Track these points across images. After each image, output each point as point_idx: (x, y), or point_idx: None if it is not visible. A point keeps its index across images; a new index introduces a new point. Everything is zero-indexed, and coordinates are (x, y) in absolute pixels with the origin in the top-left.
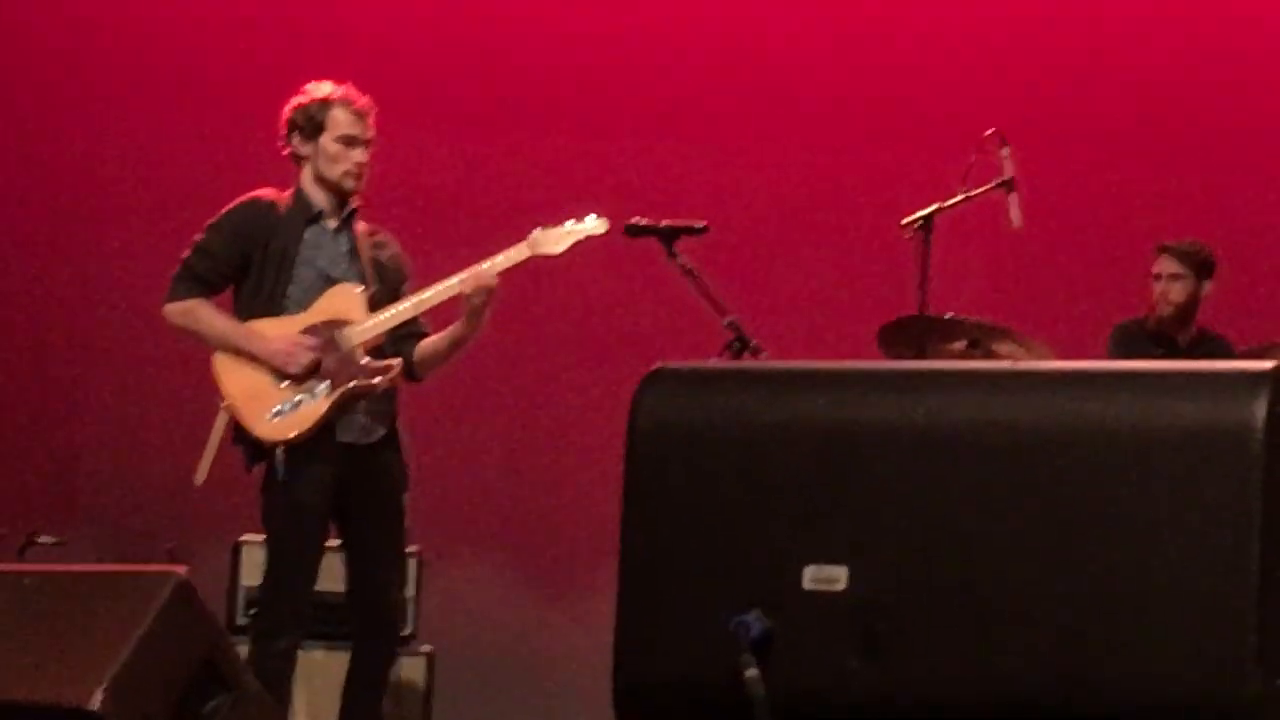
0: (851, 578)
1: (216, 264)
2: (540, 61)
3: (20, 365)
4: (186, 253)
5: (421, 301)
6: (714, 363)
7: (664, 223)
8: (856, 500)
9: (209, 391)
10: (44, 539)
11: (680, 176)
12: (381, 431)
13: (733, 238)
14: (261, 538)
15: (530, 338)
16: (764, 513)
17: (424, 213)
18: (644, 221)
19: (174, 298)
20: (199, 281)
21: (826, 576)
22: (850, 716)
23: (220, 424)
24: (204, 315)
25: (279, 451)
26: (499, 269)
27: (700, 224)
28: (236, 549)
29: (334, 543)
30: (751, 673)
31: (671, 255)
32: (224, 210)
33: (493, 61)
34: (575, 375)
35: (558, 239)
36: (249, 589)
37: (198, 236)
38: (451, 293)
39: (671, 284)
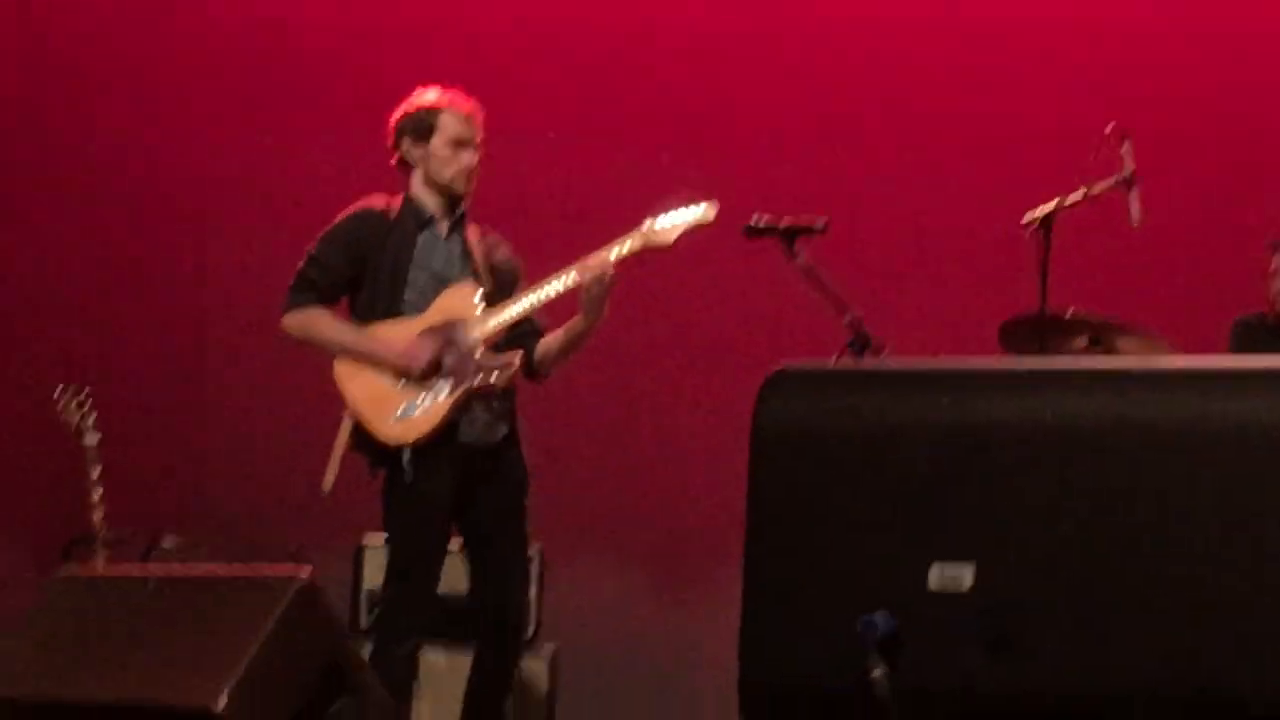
0: (977, 576)
1: (331, 274)
2: (654, 62)
3: (145, 369)
4: (301, 264)
5: (539, 296)
6: (837, 363)
7: (784, 223)
8: (981, 499)
9: (332, 394)
10: (168, 542)
11: (799, 176)
12: (504, 430)
13: (852, 236)
14: (384, 539)
15: (651, 338)
16: (889, 512)
17: (535, 219)
18: (764, 222)
19: (292, 308)
20: (315, 291)
21: (952, 575)
22: (976, 714)
23: (345, 430)
24: (323, 324)
25: (405, 453)
26: (615, 257)
27: (820, 223)
28: (359, 551)
29: (455, 543)
30: (878, 672)
31: (791, 255)
32: (336, 220)
33: (603, 62)
34: (696, 374)
35: (670, 226)
36: (372, 591)
37: (311, 247)
38: (568, 285)
39: (791, 283)
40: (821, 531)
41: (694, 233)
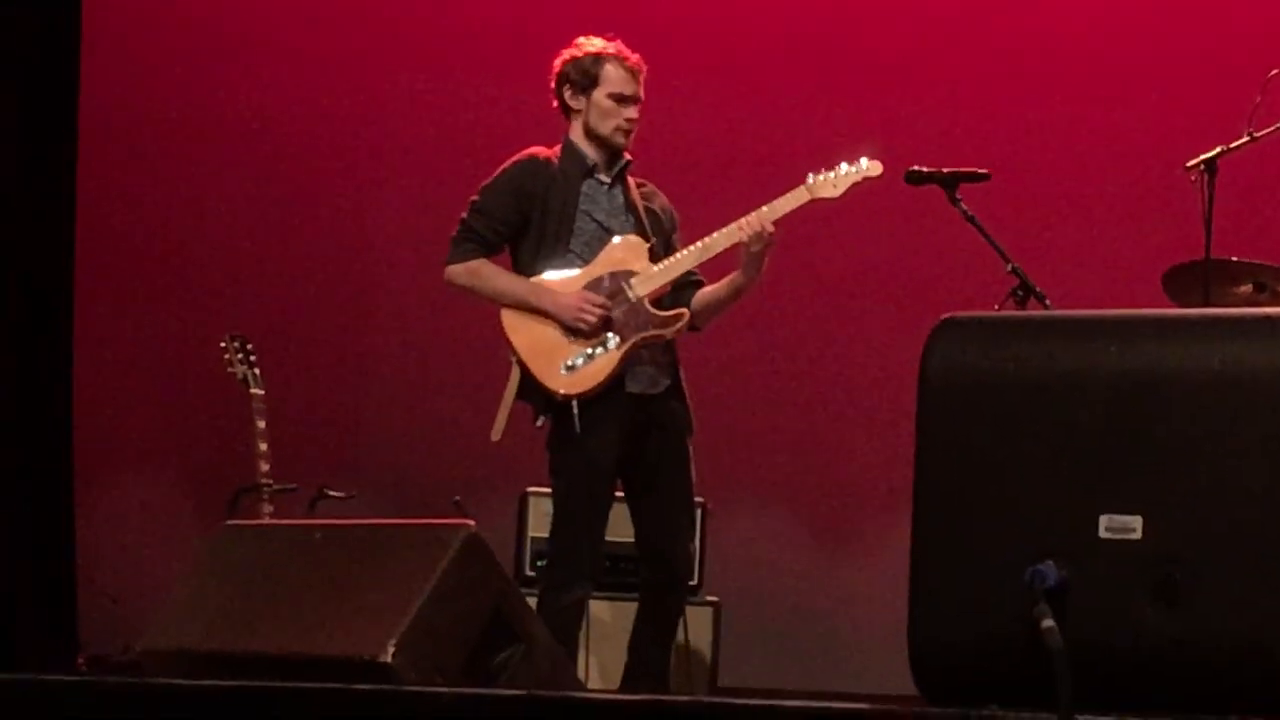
0: (1147, 526)
1: (495, 223)
2: (816, 10)
3: (308, 320)
4: (464, 214)
5: (704, 249)
6: (1003, 313)
7: (945, 169)
8: (1151, 449)
9: (493, 344)
10: (334, 493)
11: (960, 123)
12: (667, 382)
13: (1014, 184)
14: (547, 490)
15: (813, 286)
16: (1057, 462)
17: (697, 167)
18: (925, 169)
19: (456, 259)
20: (480, 241)
21: (1122, 525)
22: (1146, 665)
23: (514, 380)
24: (488, 274)
25: (574, 404)
26: (778, 214)
27: (982, 170)
28: (523, 500)
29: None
30: (1048, 622)
31: (953, 202)
32: (499, 170)
33: (765, 10)
34: (857, 323)
35: (835, 182)
36: (536, 540)
37: (474, 198)
38: (732, 240)
39: (954, 231)
40: (989, 481)
41: (859, 187)
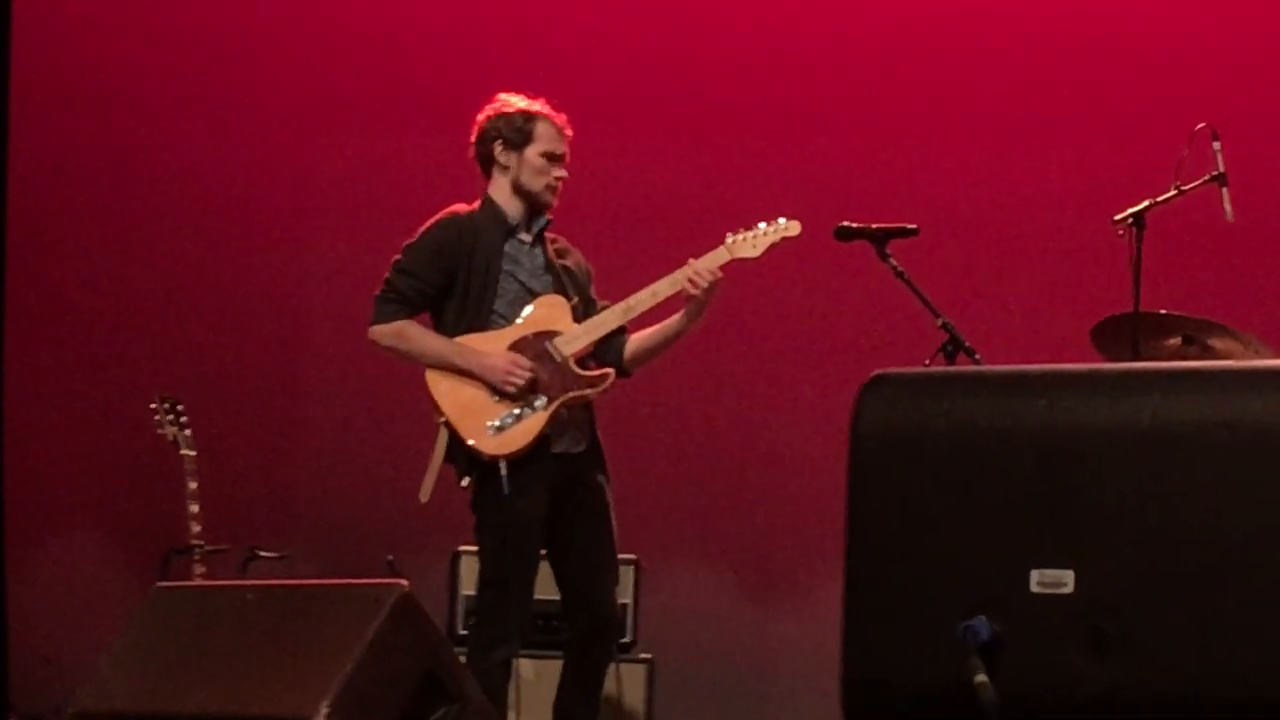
0: (1078, 580)
1: (419, 283)
2: (740, 62)
3: (236, 379)
4: (388, 274)
5: (627, 310)
6: (932, 368)
7: (875, 225)
8: (1080, 503)
9: (423, 404)
10: (266, 553)
11: (888, 178)
12: (585, 440)
13: (943, 238)
14: (477, 549)
15: (743, 341)
16: (989, 517)
17: (616, 220)
18: (855, 224)
19: (381, 320)
20: (404, 301)
21: (1053, 579)
22: (1081, 717)
23: (442, 441)
24: (414, 335)
25: (501, 464)
26: (704, 269)
27: (911, 226)
28: (455, 559)
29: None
30: (981, 678)
31: (883, 257)
32: (422, 230)
33: (689, 64)
34: (788, 377)
35: (754, 242)
36: (469, 599)
37: (398, 258)
38: (655, 300)
39: (883, 286)
40: (921, 535)
41: (779, 247)
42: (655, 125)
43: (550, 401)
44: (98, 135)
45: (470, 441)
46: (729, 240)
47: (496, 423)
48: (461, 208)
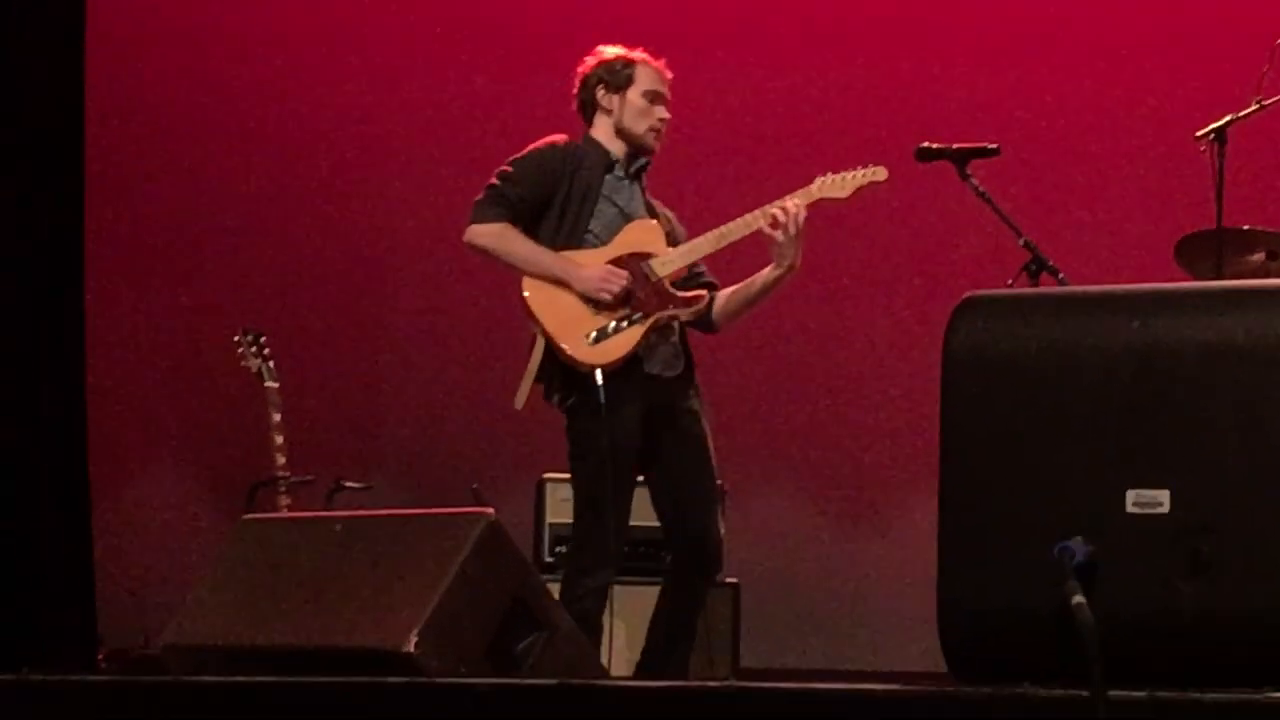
0: (1174, 500)
1: (524, 191)
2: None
3: (318, 310)
4: (493, 180)
5: (721, 236)
6: (1024, 289)
7: (955, 145)
8: (1176, 422)
9: (508, 332)
10: (350, 484)
11: (969, 98)
12: (682, 365)
13: (1024, 158)
14: (565, 476)
15: (825, 267)
16: (1083, 438)
17: (706, 149)
18: (936, 145)
19: (483, 219)
20: (508, 206)
21: (1149, 499)
22: (1179, 639)
23: (538, 350)
24: (514, 237)
25: (597, 374)
26: (801, 205)
27: (992, 145)
28: (540, 486)
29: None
30: (1078, 599)
31: (964, 177)
32: (527, 150)
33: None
34: (871, 302)
35: (842, 184)
36: (555, 526)
37: (504, 168)
38: (749, 229)
39: (965, 207)
40: (1015, 458)
41: (866, 191)
42: (738, 56)
43: (646, 316)
44: (179, 71)
45: (566, 349)
46: (818, 182)
47: (594, 333)
48: (564, 137)
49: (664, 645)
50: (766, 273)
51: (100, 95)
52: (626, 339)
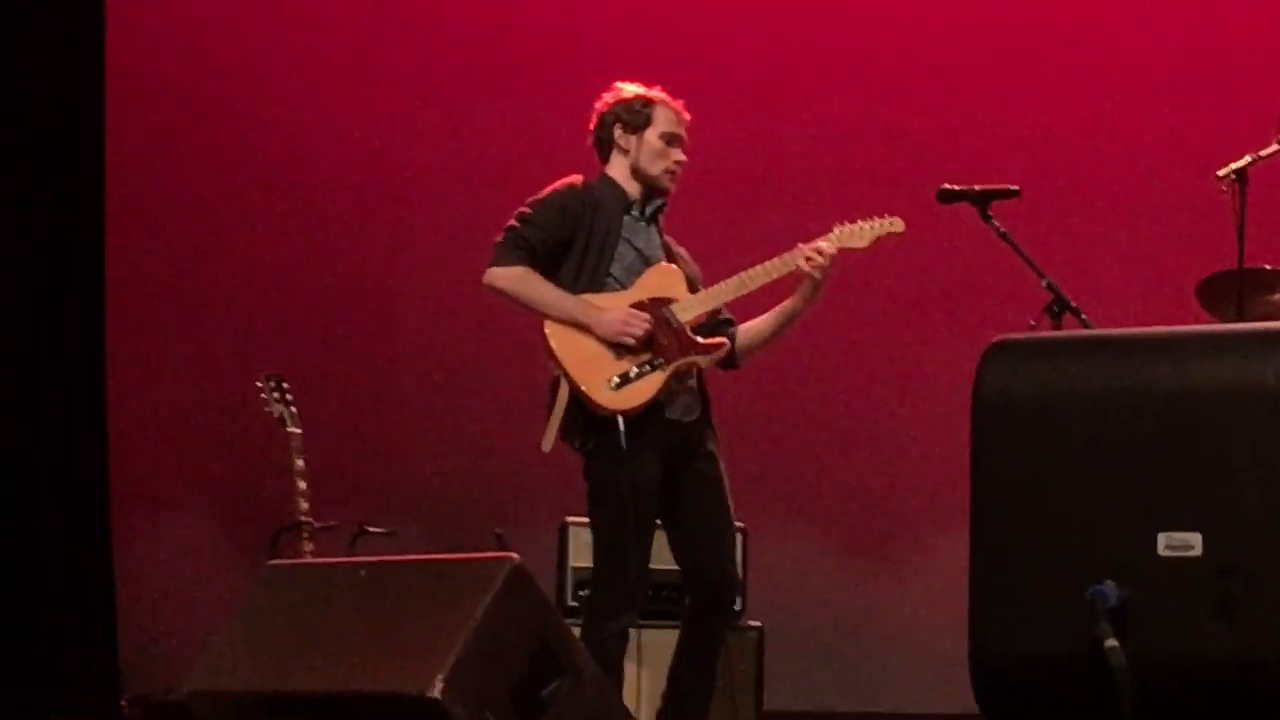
0: (1206, 543)
1: (544, 234)
2: (841, 30)
3: (340, 356)
4: (512, 223)
5: (742, 283)
6: (1053, 333)
7: (977, 187)
8: (1207, 465)
9: (527, 374)
10: (374, 529)
11: (990, 140)
12: (700, 409)
13: (1045, 199)
14: (587, 520)
15: (845, 307)
16: (1114, 481)
17: (728, 189)
18: (957, 187)
19: (504, 262)
20: (528, 249)
21: (1181, 543)
22: (1211, 681)
23: (565, 392)
24: (536, 281)
25: (620, 421)
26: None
27: (1013, 187)
28: (564, 530)
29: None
30: (1111, 642)
31: (986, 219)
32: (546, 191)
33: (788, 31)
34: (891, 342)
35: (860, 234)
36: (578, 570)
37: (523, 210)
38: (770, 276)
39: (986, 248)
40: (1046, 501)
41: (884, 241)
42: (756, 97)
43: (667, 363)
44: (195, 117)
45: (589, 393)
46: (836, 231)
47: (616, 379)
48: (580, 178)
49: (686, 688)
50: (788, 305)
51: (120, 135)
52: (649, 385)
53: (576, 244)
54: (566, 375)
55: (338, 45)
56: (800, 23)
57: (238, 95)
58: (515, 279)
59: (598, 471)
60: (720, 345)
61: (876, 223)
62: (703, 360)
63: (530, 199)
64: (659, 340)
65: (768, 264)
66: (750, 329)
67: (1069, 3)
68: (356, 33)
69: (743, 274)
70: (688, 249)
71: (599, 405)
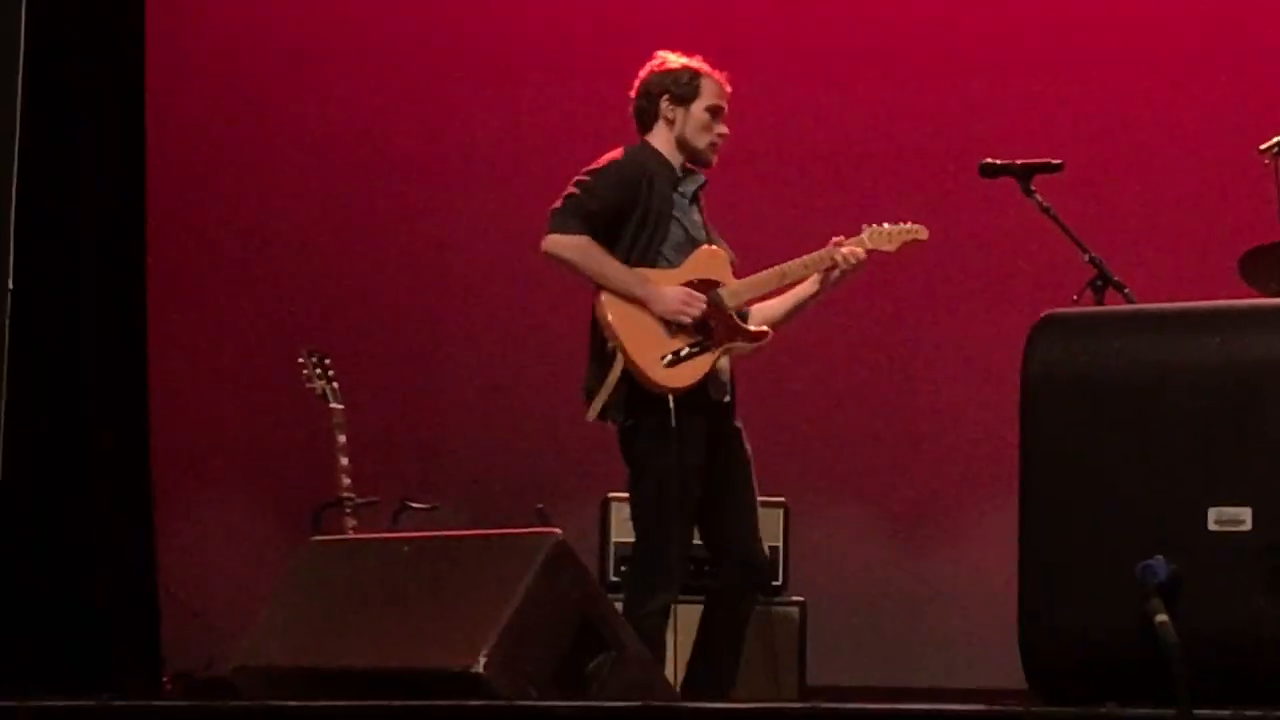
0: (1256, 517)
1: (604, 205)
2: (888, 5)
3: (382, 331)
4: (572, 190)
5: (784, 274)
6: (1102, 308)
7: (1019, 161)
8: (1257, 439)
9: (569, 350)
10: (416, 505)
11: (1033, 113)
12: (729, 391)
13: (1088, 173)
14: (634, 492)
15: (888, 281)
16: (1163, 456)
17: (767, 167)
18: (999, 161)
19: (564, 230)
20: (588, 218)
21: (1231, 517)
22: (1263, 656)
23: (619, 363)
24: (596, 252)
25: (670, 398)
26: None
27: (1056, 161)
28: (605, 505)
29: None
30: (1161, 618)
31: (1028, 193)
32: (605, 161)
33: (832, 9)
34: (933, 316)
35: (890, 236)
36: (620, 546)
37: (582, 178)
38: (807, 272)
39: (1028, 222)
40: (1096, 476)
41: (909, 247)
42: (794, 75)
43: (716, 345)
44: (238, 92)
45: (644, 368)
46: (866, 232)
47: (669, 356)
48: (633, 148)
49: (713, 667)
50: (803, 294)
51: (161, 116)
52: (699, 365)
53: (633, 216)
54: (622, 349)
55: (388, 21)
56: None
57: (283, 72)
58: (578, 249)
59: (639, 448)
60: (765, 334)
61: (904, 227)
62: (748, 346)
63: (588, 167)
64: (710, 322)
65: (806, 259)
66: (761, 311)
67: None
68: (406, 9)
69: (783, 266)
70: (721, 229)
71: (653, 381)
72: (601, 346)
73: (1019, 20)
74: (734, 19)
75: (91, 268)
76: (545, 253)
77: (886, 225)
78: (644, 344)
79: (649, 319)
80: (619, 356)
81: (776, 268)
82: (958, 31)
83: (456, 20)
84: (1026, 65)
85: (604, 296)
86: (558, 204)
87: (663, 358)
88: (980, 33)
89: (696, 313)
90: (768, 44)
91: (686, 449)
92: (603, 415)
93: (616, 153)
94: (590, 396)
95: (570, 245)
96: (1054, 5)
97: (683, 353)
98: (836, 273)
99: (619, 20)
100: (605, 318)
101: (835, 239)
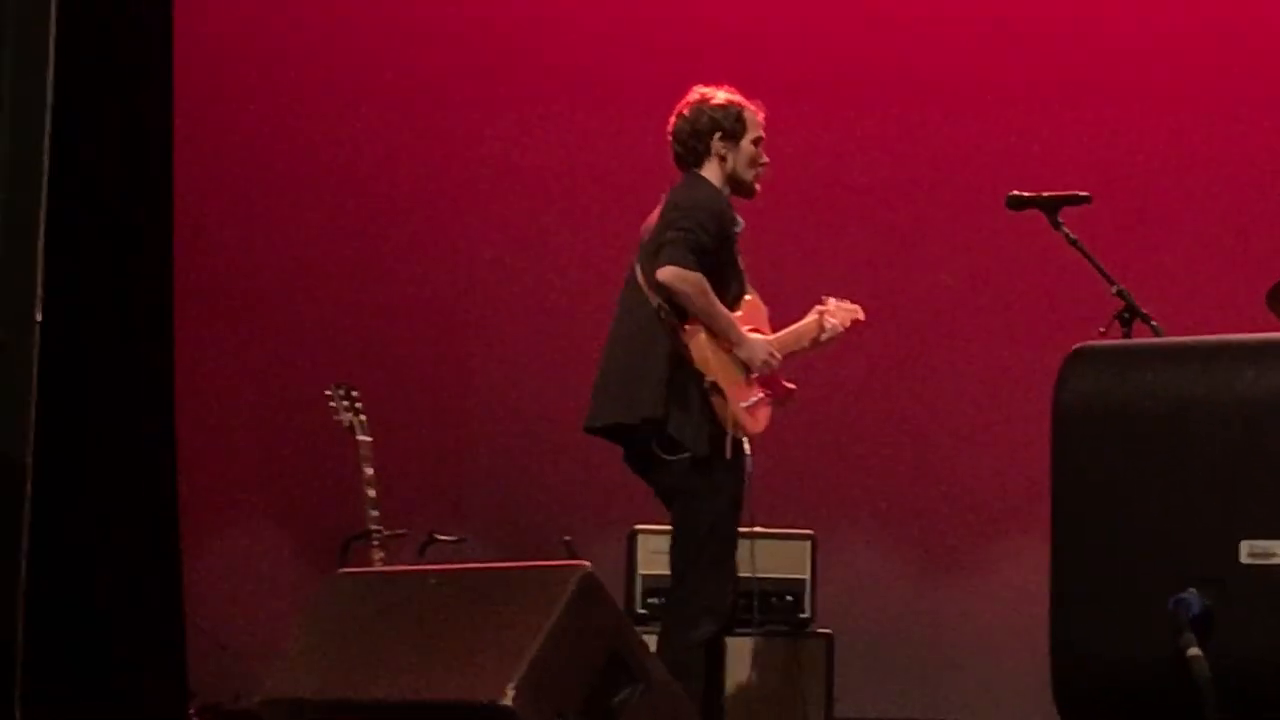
0: None
1: (710, 242)
2: (911, 38)
3: (409, 364)
4: (687, 225)
5: (799, 336)
6: (1133, 340)
7: (1046, 193)
8: None
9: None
10: (443, 537)
11: (1060, 146)
12: None
13: (1115, 205)
14: (656, 527)
15: (916, 312)
16: (1196, 489)
17: (797, 198)
18: (1027, 193)
19: (686, 264)
20: (703, 254)
21: (1264, 550)
22: None
23: (719, 398)
24: (710, 294)
25: (746, 444)
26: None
27: (1083, 193)
28: (632, 538)
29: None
30: (1194, 651)
31: (1055, 225)
32: (702, 194)
33: (859, 40)
34: (959, 350)
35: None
36: (647, 578)
37: (690, 211)
38: (809, 337)
39: (1056, 254)
40: (1128, 508)
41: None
42: (823, 105)
43: (772, 398)
44: (265, 126)
45: (730, 409)
46: (833, 303)
47: (746, 403)
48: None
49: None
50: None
51: (190, 145)
52: (763, 415)
53: (718, 257)
54: (718, 387)
55: (421, 61)
56: (868, 30)
57: (309, 104)
58: (696, 286)
59: (698, 482)
60: (794, 392)
61: (851, 307)
62: (785, 402)
63: (690, 203)
64: (773, 375)
65: (801, 327)
66: None
67: (1136, 11)
68: (440, 50)
69: (796, 327)
70: (749, 262)
71: (741, 425)
72: (684, 380)
73: (1048, 54)
74: (762, 51)
75: (119, 300)
76: (665, 281)
77: (845, 301)
78: (734, 387)
79: (733, 364)
80: (714, 392)
81: (791, 332)
82: (986, 65)
83: (489, 60)
84: (1055, 99)
85: (702, 336)
86: (671, 234)
87: (745, 403)
88: (1009, 66)
89: (776, 364)
90: (795, 77)
91: (740, 490)
92: (668, 449)
93: (709, 187)
94: (654, 426)
95: (691, 281)
96: (1082, 40)
97: (756, 399)
98: (827, 333)
99: (653, 52)
100: (705, 357)
101: (819, 307)
